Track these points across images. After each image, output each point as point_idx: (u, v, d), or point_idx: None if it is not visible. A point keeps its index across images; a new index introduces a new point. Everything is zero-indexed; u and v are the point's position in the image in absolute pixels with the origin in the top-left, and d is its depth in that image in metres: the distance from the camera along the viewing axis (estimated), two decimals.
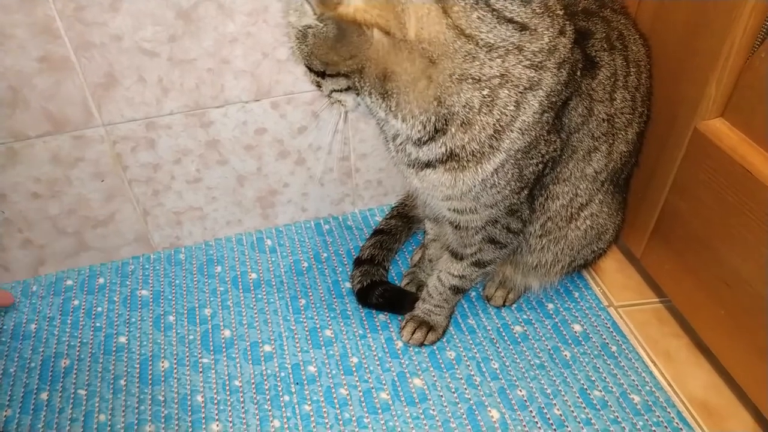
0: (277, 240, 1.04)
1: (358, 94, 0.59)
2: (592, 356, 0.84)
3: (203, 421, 0.78)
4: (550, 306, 0.92)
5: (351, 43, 0.54)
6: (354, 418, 0.77)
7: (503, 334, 0.88)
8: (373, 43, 0.54)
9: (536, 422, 0.77)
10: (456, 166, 0.62)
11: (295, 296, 0.94)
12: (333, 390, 0.81)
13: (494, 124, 0.59)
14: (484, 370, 0.83)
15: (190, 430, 0.77)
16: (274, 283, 0.96)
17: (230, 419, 0.78)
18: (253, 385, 0.81)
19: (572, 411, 0.78)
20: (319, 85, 0.62)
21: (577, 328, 0.89)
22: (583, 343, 0.86)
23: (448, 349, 0.86)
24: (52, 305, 0.93)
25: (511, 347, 0.86)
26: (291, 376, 0.82)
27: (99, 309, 0.92)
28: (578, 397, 0.79)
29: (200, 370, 0.84)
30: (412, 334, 0.85)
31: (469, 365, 0.84)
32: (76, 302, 0.94)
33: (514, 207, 0.69)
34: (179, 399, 0.80)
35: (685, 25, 0.75)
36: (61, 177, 0.88)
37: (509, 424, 0.77)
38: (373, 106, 0.60)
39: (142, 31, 0.78)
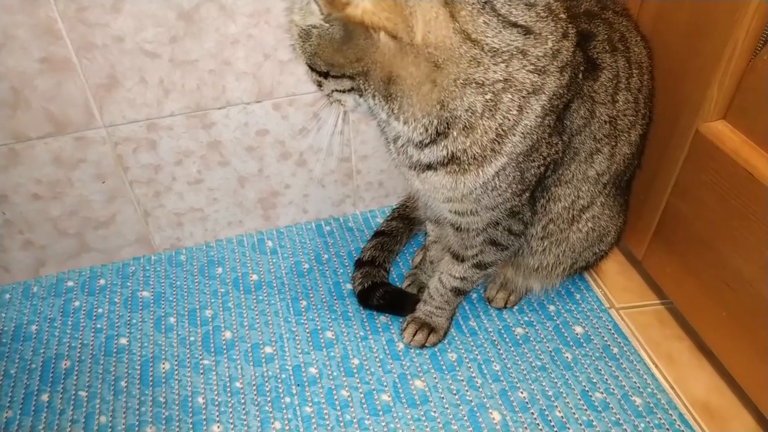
0: (278, 241, 1.04)
1: (360, 96, 0.59)
2: (593, 358, 0.84)
3: (204, 422, 0.77)
4: (552, 308, 0.92)
5: (357, 45, 0.54)
6: (355, 420, 0.77)
7: (504, 335, 0.88)
8: (380, 47, 0.53)
9: (538, 424, 0.77)
10: (457, 169, 0.62)
11: (296, 298, 0.94)
12: (334, 391, 0.81)
13: (496, 129, 0.59)
14: (485, 371, 0.83)
15: (191, 431, 0.77)
16: (275, 285, 0.96)
17: (231, 421, 0.78)
18: (254, 387, 0.81)
19: (574, 413, 0.78)
20: (320, 85, 0.61)
21: (578, 329, 0.88)
22: (584, 344, 0.86)
23: (449, 350, 0.86)
24: (53, 306, 0.93)
25: (512, 349, 0.86)
26: (292, 377, 0.82)
27: (100, 310, 0.92)
28: (580, 399, 0.79)
29: (201, 371, 0.83)
30: (414, 335, 0.85)
31: (470, 367, 0.83)
32: (77, 303, 0.93)
33: (516, 209, 0.69)
34: (180, 401, 0.80)
35: (687, 26, 0.74)
36: (62, 178, 0.88)
37: (510, 426, 0.76)
38: (376, 108, 0.59)
39: (144, 33, 0.78)
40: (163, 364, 0.85)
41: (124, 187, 0.92)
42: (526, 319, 0.90)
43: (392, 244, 0.98)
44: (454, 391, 0.80)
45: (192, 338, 0.88)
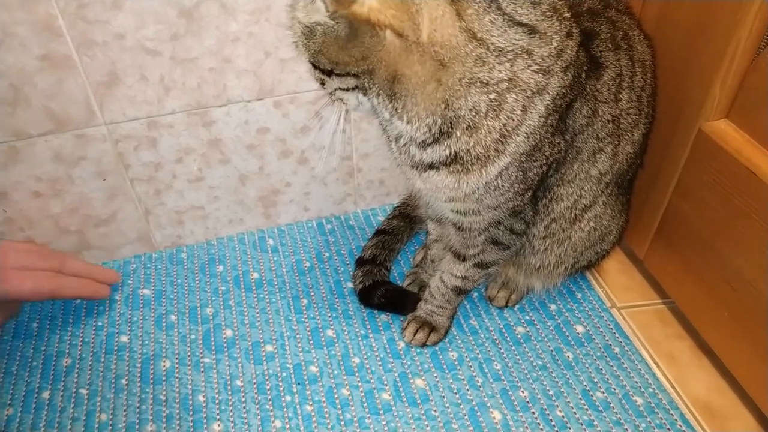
0: (279, 239, 1.04)
1: (364, 95, 0.58)
2: (594, 357, 0.84)
3: (204, 421, 0.77)
4: (553, 307, 0.92)
5: (363, 43, 0.53)
6: (356, 419, 0.77)
7: (505, 334, 0.88)
8: (386, 45, 0.53)
9: (538, 423, 0.77)
10: (460, 169, 0.62)
11: (297, 296, 0.94)
12: (335, 390, 0.81)
13: (500, 129, 0.59)
14: (486, 370, 0.83)
15: (192, 429, 0.77)
16: (275, 283, 0.96)
17: (232, 419, 0.78)
18: (255, 385, 0.81)
19: (575, 412, 0.78)
20: (323, 83, 0.61)
21: (579, 329, 0.88)
22: (585, 344, 0.86)
23: (450, 349, 0.86)
24: (53, 304, 0.93)
25: (513, 348, 0.86)
26: (293, 376, 0.82)
27: (100, 308, 0.92)
28: (581, 399, 0.79)
29: (202, 369, 0.83)
30: (414, 334, 0.85)
31: (471, 366, 0.83)
32: (77, 301, 0.93)
33: (518, 209, 0.69)
34: (181, 399, 0.80)
35: (689, 25, 0.74)
36: (62, 176, 0.88)
37: (511, 425, 0.76)
38: (379, 107, 0.59)
39: (145, 30, 0.78)
40: (164, 362, 0.85)
41: (124, 184, 0.92)
42: (527, 318, 0.90)
43: (393, 242, 0.98)
44: (455, 390, 0.80)
45: (192, 336, 0.88)
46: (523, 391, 0.80)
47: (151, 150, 0.89)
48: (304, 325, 0.89)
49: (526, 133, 0.60)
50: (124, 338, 0.88)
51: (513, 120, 0.58)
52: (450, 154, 0.61)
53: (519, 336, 0.87)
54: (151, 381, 0.82)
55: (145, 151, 0.89)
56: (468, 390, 0.80)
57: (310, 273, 0.98)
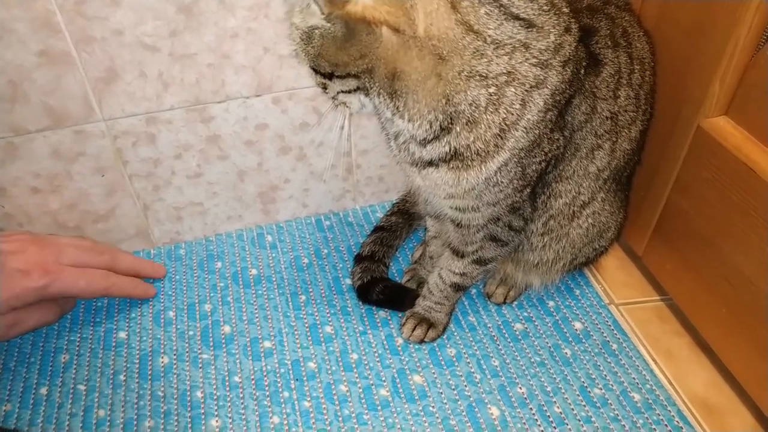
0: (277, 236, 1.04)
1: (366, 95, 0.58)
2: (592, 354, 0.84)
3: (203, 416, 0.78)
4: (551, 303, 0.92)
5: (360, 42, 0.53)
6: (353, 415, 0.77)
7: (504, 331, 0.88)
8: (383, 42, 0.53)
9: (536, 420, 0.77)
10: (460, 165, 0.62)
11: (296, 292, 0.94)
12: (333, 386, 0.81)
13: (500, 123, 0.59)
14: (484, 367, 0.83)
15: (190, 425, 0.77)
16: (274, 279, 0.96)
17: (230, 415, 0.78)
18: (253, 381, 0.81)
19: (572, 409, 0.78)
20: (325, 87, 0.61)
21: (577, 325, 0.88)
22: (583, 340, 0.86)
23: (448, 346, 0.86)
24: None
25: (511, 344, 0.86)
26: (291, 372, 0.82)
27: (98, 304, 0.92)
28: (578, 395, 0.79)
29: (200, 365, 0.83)
30: (413, 331, 0.85)
31: (469, 362, 0.83)
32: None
33: (517, 205, 0.69)
34: (179, 395, 0.80)
35: (689, 22, 0.74)
36: (61, 172, 0.88)
37: (509, 422, 0.77)
38: (381, 107, 0.59)
39: (143, 26, 0.78)
40: (162, 358, 0.85)
41: (123, 180, 0.92)
42: (525, 314, 0.90)
43: (392, 239, 0.98)
44: (453, 387, 0.81)
45: (191, 332, 0.88)
46: (521, 388, 0.80)
47: (150, 146, 0.89)
48: (303, 321, 0.89)
49: (526, 128, 0.60)
50: (123, 334, 0.88)
51: (512, 114, 0.58)
52: (450, 150, 0.61)
53: (517, 332, 0.87)
54: (149, 377, 0.82)
55: (143, 147, 0.89)
56: (466, 386, 0.81)
57: (308, 269, 0.98)
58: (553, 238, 0.79)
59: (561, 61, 0.59)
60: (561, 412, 0.77)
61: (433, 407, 0.78)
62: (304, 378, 0.82)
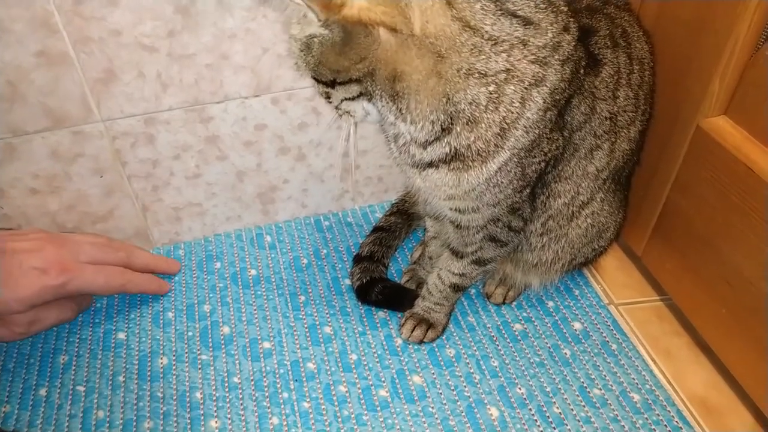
0: (276, 236, 1.04)
1: (369, 100, 0.58)
2: (592, 354, 0.84)
3: (202, 417, 0.77)
4: (550, 304, 0.92)
5: (359, 45, 0.53)
6: (353, 416, 0.77)
7: (503, 331, 0.88)
8: (381, 43, 0.53)
9: (535, 420, 0.77)
10: (460, 166, 0.62)
11: (295, 293, 0.94)
12: (332, 387, 0.81)
13: (500, 122, 0.59)
14: (483, 367, 0.83)
15: (189, 426, 0.77)
16: (273, 280, 0.96)
17: (229, 416, 0.78)
18: (252, 382, 0.81)
19: (572, 409, 0.78)
20: (328, 97, 0.61)
21: (577, 326, 0.88)
22: (583, 341, 0.86)
23: (447, 346, 0.86)
24: None
25: (510, 345, 0.86)
26: (290, 373, 0.82)
27: (98, 305, 0.92)
28: (578, 396, 0.79)
29: (199, 366, 0.83)
30: (412, 331, 0.85)
31: (468, 363, 0.83)
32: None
33: (516, 205, 0.69)
34: (178, 396, 0.80)
35: (688, 21, 0.74)
36: (59, 173, 0.88)
37: (508, 422, 0.76)
38: (384, 110, 0.59)
39: (141, 26, 0.78)
40: (161, 359, 0.85)
41: (122, 181, 0.92)
42: (524, 315, 0.90)
43: (391, 239, 0.98)
44: (452, 387, 0.80)
45: (190, 333, 0.88)
46: (520, 388, 0.80)
47: (149, 147, 0.89)
48: (302, 322, 0.89)
49: (525, 127, 0.60)
50: (122, 335, 0.88)
51: (512, 113, 0.58)
52: (450, 151, 0.61)
53: (516, 333, 0.87)
54: (149, 378, 0.82)
55: (142, 148, 0.89)
56: (465, 387, 0.80)
57: (307, 270, 0.98)
58: (552, 238, 0.79)
59: (560, 60, 0.59)
60: (560, 413, 0.77)
61: (432, 408, 0.78)
62: (304, 379, 0.82)
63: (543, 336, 0.87)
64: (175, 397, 0.80)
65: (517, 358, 0.84)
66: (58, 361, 0.84)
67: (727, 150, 0.71)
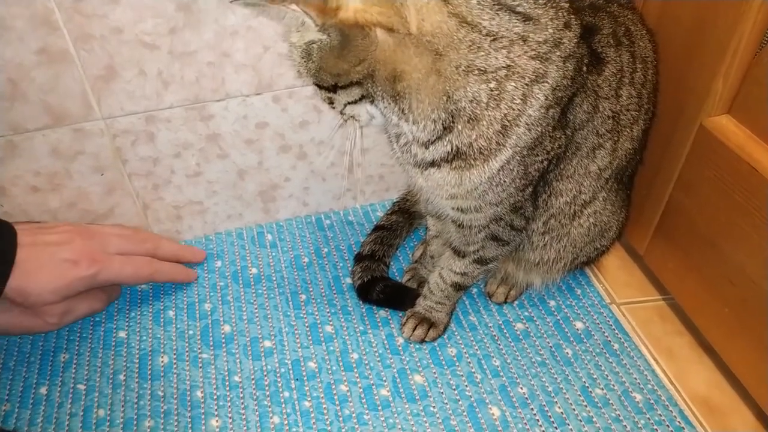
0: (277, 235, 1.04)
1: (372, 102, 0.58)
2: (593, 354, 0.84)
3: (203, 416, 0.77)
4: (552, 303, 0.92)
5: (357, 47, 0.53)
6: (354, 415, 0.77)
7: (504, 331, 0.87)
8: (379, 44, 0.53)
9: (537, 420, 0.76)
10: (462, 165, 0.62)
11: (296, 292, 0.94)
12: (333, 386, 0.80)
13: (501, 119, 0.58)
14: (485, 367, 0.83)
15: (190, 425, 0.76)
16: (274, 279, 0.96)
17: (230, 415, 0.77)
18: (253, 381, 0.81)
19: (573, 409, 0.78)
20: (331, 102, 0.61)
21: (579, 325, 0.88)
22: (584, 340, 0.86)
23: (449, 345, 0.85)
24: None
25: (512, 344, 0.85)
26: (291, 372, 0.82)
27: None
28: (580, 395, 0.79)
29: (200, 365, 0.83)
30: (413, 330, 0.85)
31: (470, 362, 0.83)
32: None
33: (519, 204, 0.69)
34: (179, 394, 0.80)
35: (692, 19, 0.74)
36: (60, 170, 0.87)
37: (510, 422, 0.76)
38: (387, 112, 0.59)
39: (143, 24, 0.77)
40: (162, 357, 0.84)
41: (122, 179, 0.91)
42: (526, 314, 0.90)
43: (392, 238, 0.98)
44: (454, 387, 0.80)
45: (191, 332, 0.88)
46: (522, 388, 0.80)
47: (149, 144, 0.89)
48: (303, 320, 0.89)
49: (527, 124, 0.59)
50: (122, 333, 0.88)
51: (514, 110, 0.58)
52: (451, 149, 0.61)
53: (518, 332, 0.87)
54: (149, 377, 0.82)
55: (143, 146, 0.89)
56: (467, 386, 0.80)
57: (308, 268, 0.97)
58: (554, 237, 0.78)
59: (561, 57, 0.59)
60: (562, 412, 0.77)
61: (433, 407, 0.78)
62: (305, 378, 0.81)
63: (545, 335, 0.87)
64: (175, 396, 0.80)
65: (519, 358, 0.84)
66: (58, 359, 0.84)
67: (730, 149, 0.71)
